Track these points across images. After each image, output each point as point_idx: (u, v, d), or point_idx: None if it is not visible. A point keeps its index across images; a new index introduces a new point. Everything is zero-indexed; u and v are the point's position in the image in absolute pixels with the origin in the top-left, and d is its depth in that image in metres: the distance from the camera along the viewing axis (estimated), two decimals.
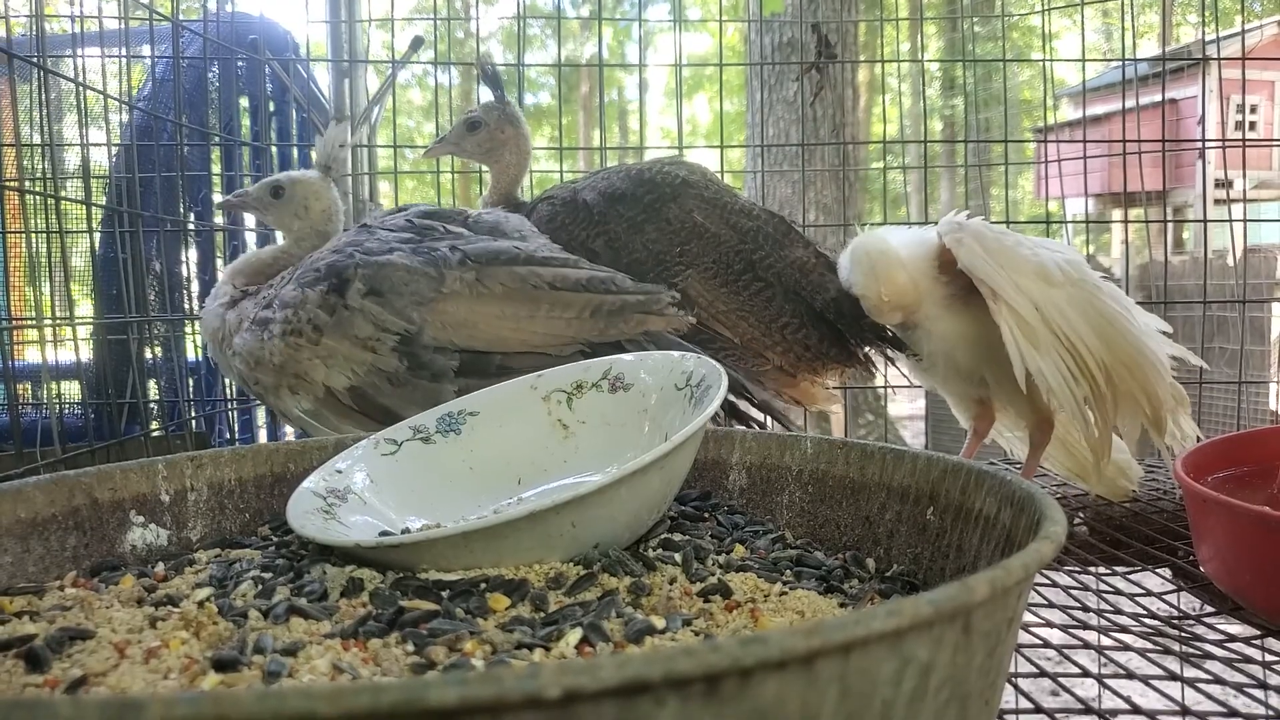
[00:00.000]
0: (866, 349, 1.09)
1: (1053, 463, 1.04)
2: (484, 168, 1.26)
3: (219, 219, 1.63)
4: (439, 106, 1.59)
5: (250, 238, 1.68)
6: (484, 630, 0.40)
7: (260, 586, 0.47)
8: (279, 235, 1.12)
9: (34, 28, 1.16)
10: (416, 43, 1.55)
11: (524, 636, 0.39)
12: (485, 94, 1.20)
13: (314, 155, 1.13)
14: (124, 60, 1.38)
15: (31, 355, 1.58)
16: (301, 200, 1.05)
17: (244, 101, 1.68)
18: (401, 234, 0.94)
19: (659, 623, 0.40)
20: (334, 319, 0.88)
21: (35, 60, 1.00)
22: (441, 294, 0.88)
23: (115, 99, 1.32)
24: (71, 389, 1.48)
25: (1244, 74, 1.47)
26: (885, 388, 1.43)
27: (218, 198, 1.63)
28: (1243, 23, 1.54)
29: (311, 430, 0.96)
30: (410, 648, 0.38)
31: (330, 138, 1.10)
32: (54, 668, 0.37)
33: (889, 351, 1.12)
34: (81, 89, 1.17)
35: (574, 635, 0.39)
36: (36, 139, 1.46)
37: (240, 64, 1.59)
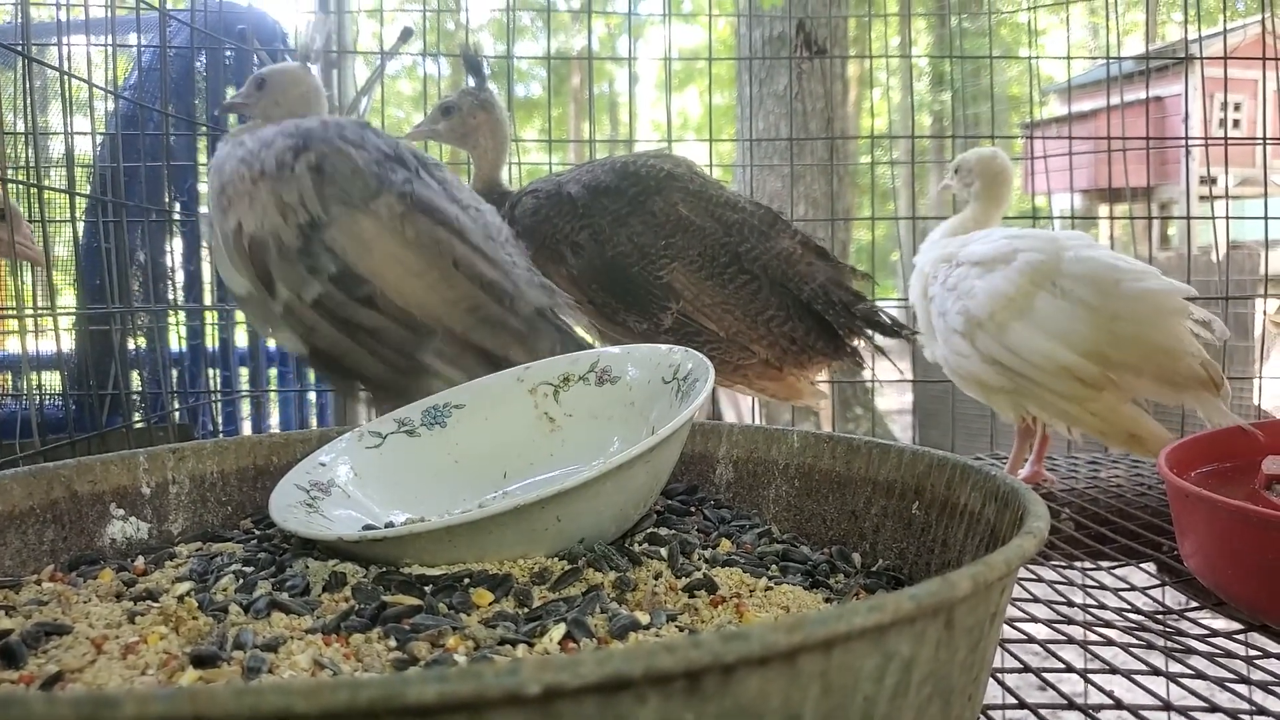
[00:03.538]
0: (855, 341, 1.09)
1: None
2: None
3: (205, 209, 1.61)
4: (428, 97, 1.58)
5: None
6: (467, 626, 0.39)
7: (241, 581, 0.46)
8: None
9: (19, 15, 1.14)
10: (406, 34, 1.54)
11: (507, 632, 0.39)
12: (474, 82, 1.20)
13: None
14: (110, 49, 1.37)
15: (12, 345, 1.56)
16: (279, 88, 1.05)
17: (231, 91, 1.67)
18: (383, 143, 0.94)
19: (644, 618, 0.40)
20: (278, 173, 0.89)
21: (19, 48, 0.99)
22: (365, 210, 0.89)
23: (100, 88, 1.31)
24: (52, 380, 1.47)
25: (1226, 73, 1.48)
26: (873, 382, 1.43)
27: (203, 187, 1.62)
28: (1224, 22, 1.55)
29: (215, 253, 0.97)
30: (393, 643, 0.38)
31: (311, 29, 1.11)
32: (30, 663, 0.37)
33: (878, 342, 1.13)
34: (66, 78, 1.16)
35: (558, 631, 0.38)
36: (20, 127, 1.44)
37: (228, 53, 1.58)
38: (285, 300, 0.87)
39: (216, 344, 1.65)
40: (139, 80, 1.44)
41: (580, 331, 0.95)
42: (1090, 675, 0.61)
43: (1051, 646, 0.66)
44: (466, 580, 0.45)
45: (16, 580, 0.47)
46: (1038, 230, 1.22)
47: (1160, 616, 0.70)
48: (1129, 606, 0.72)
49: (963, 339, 1.00)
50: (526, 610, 0.42)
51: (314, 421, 1.83)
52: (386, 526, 0.54)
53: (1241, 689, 0.58)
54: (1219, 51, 1.58)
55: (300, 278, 0.87)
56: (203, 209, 0.99)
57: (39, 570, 0.50)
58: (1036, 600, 0.74)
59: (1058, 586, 0.77)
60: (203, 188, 1.61)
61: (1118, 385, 0.93)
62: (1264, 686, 0.59)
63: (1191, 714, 0.56)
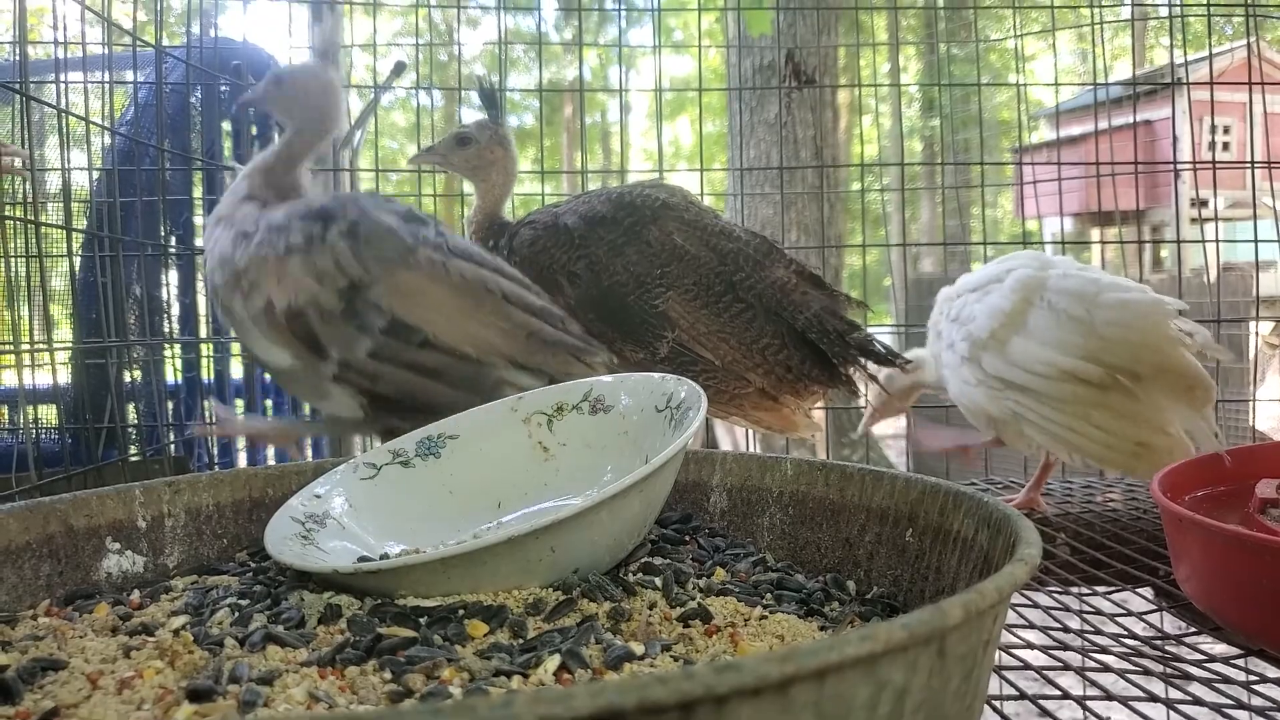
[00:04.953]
0: (850, 368, 1.10)
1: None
2: (467, 189, 1.26)
3: (200, 242, 1.63)
4: (421, 129, 1.59)
5: None
6: (462, 657, 0.40)
7: (237, 614, 0.46)
8: None
9: (17, 53, 1.15)
10: (399, 68, 1.56)
11: (502, 663, 0.39)
12: (468, 116, 1.21)
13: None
14: (106, 85, 1.38)
15: (9, 379, 1.56)
16: (299, 85, 1.05)
17: (226, 126, 1.68)
18: (396, 205, 0.97)
19: (638, 649, 0.40)
20: (308, 246, 0.91)
21: (16, 86, 1.00)
22: (407, 265, 0.91)
23: (97, 124, 1.32)
24: (48, 414, 1.47)
25: (1212, 97, 1.50)
26: (868, 409, 1.44)
27: (199, 221, 1.63)
28: (1210, 46, 1.57)
29: (244, 338, 0.98)
30: (388, 675, 0.38)
31: (326, 25, 1.13)
32: (26, 699, 0.37)
33: (872, 369, 1.13)
34: (63, 114, 1.17)
35: (552, 662, 0.38)
36: (17, 163, 1.45)
37: (223, 88, 1.59)
38: (339, 359, 0.89)
39: (212, 376, 1.65)
40: (135, 116, 1.45)
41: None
42: (1088, 702, 0.61)
43: (1048, 673, 0.66)
44: (461, 612, 0.45)
45: (13, 615, 0.47)
46: (1027, 251, 1.24)
47: (1158, 642, 0.70)
48: (1126, 632, 0.72)
49: (970, 365, 1.01)
50: (521, 641, 0.42)
51: (309, 453, 1.83)
52: (381, 558, 0.54)
53: (1241, 715, 0.58)
54: (1206, 76, 1.60)
55: (350, 336, 0.90)
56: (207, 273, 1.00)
57: (35, 605, 0.50)
58: (1033, 626, 0.74)
59: (1054, 612, 0.77)
60: (198, 221, 1.62)
61: (1122, 384, 0.93)
62: (1263, 712, 0.59)
63: None
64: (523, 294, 0.94)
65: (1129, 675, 0.64)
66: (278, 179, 1.04)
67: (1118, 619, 0.76)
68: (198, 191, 1.64)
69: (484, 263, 0.94)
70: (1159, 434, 0.93)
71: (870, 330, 1.14)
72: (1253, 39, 1.50)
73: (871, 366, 1.12)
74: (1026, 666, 0.67)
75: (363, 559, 0.53)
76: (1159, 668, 0.65)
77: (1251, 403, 1.59)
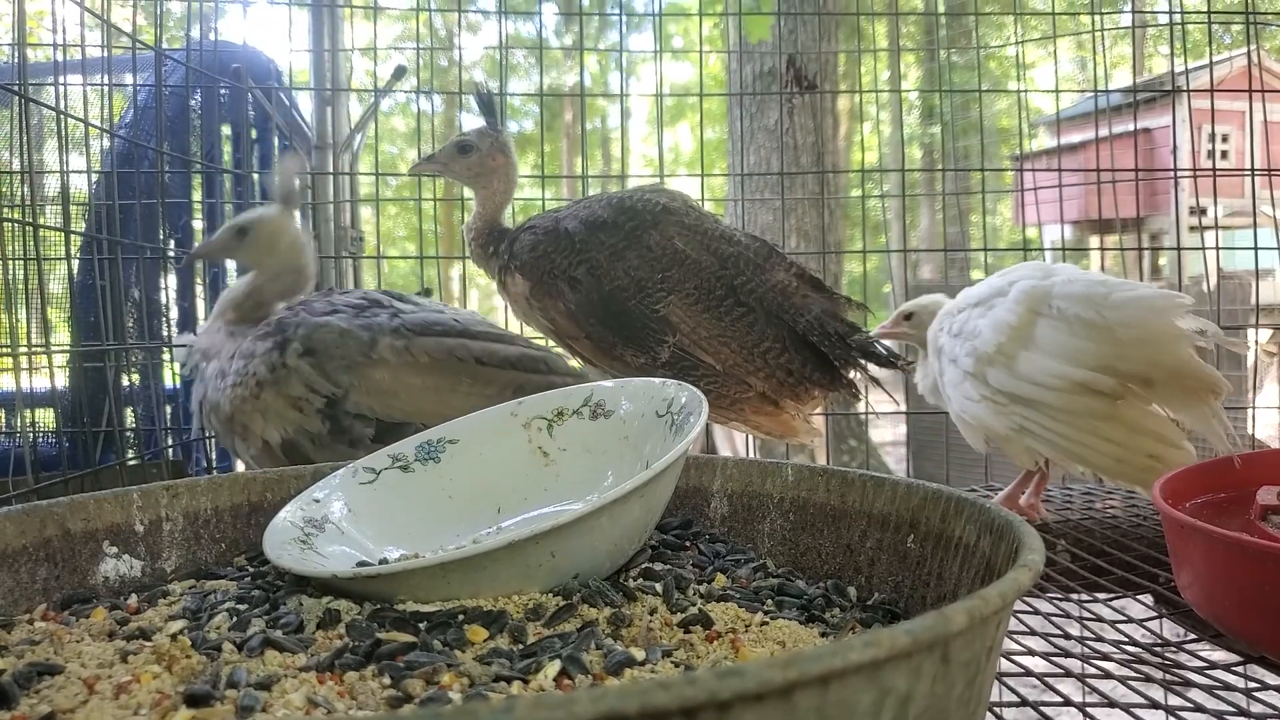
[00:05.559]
0: (851, 372, 1.10)
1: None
2: (467, 195, 1.26)
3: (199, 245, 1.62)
4: (421, 133, 1.59)
5: (231, 264, 1.67)
6: (461, 662, 0.39)
7: (235, 618, 0.46)
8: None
9: (15, 55, 1.15)
10: (399, 72, 1.56)
11: (502, 669, 0.38)
12: (469, 121, 1.21)
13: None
14: (105, 88, 1.38)
15: (6, 382, 1.56)
16: (267, 238, 1.07)
17: (226, 129, 1.68)
18: (351, 299, 0.98)
19: (639, 654, 0.40)
20: (273, 376, 0.92)
21: (15, 88, 1.00)
22: (370, 359, 0.92)
23: (96, 126, 1.32)
24: (46, 417, 1.46)
25: (1212, 104, 1.50)
26: (867, 414, 1.44)
27: (198, 224, 1.63)
28: (1210, 54, 1.58)
29: None
30: (387, 680, 0.38)
31: (285, 170, 1.14)
32: (22, 704, 0.36)
33: (872, 371, 1.13)
34: (62, 116, 1.17)
35: (552, 668, 0.38)
36: (16, 165, 1.45)
37: (223, 91, 1.59)
38: None
39: None
40: (134, 119, 1.45)
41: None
42: (1089, 709, 0.61)
43: (1049, 680, 0.65)
44: (461, 617, 0.45)
45: (9, 619, 0.47)
46: (1030, 262, 1.23)
47: (1158, 649, 0.70)
48: (1126, 639, 0.72)
49: (974, 381, 0.99)
50: (521, 647, 0.42)
51: None
52: (380, 563, 0.54)
53: None
54: (1206, 84, 1.60)
55: (345, 456, 0.91)
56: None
57: (31, 609, 0.50)
58: (1033, 633, 0.74)
59: (1054, 619, 0.77)
60: (197, 224, 1.62)
61: (1135, 392, 0.92)
62: (1263, 719, 0.58)
63: None
64: (495, 349, 0.93)
65: (1130, 682, 0.64)
66: (248, 314, 1.05)
67: (1118, 626, 0.76)
68: (197, 195, 1.64)
69: (447, 330, 0.94)
70: (1171, 447, 0.91)
71: (872, 335, 1.14)
72: (1252, 47, 1.51)
73: (873, 368, 1.12)
74: (1027, 673, 0.67)
75: (362, 564, 0.53)
76: (1160, 674, 0.64)
77: (1250, 410, 1.59)
